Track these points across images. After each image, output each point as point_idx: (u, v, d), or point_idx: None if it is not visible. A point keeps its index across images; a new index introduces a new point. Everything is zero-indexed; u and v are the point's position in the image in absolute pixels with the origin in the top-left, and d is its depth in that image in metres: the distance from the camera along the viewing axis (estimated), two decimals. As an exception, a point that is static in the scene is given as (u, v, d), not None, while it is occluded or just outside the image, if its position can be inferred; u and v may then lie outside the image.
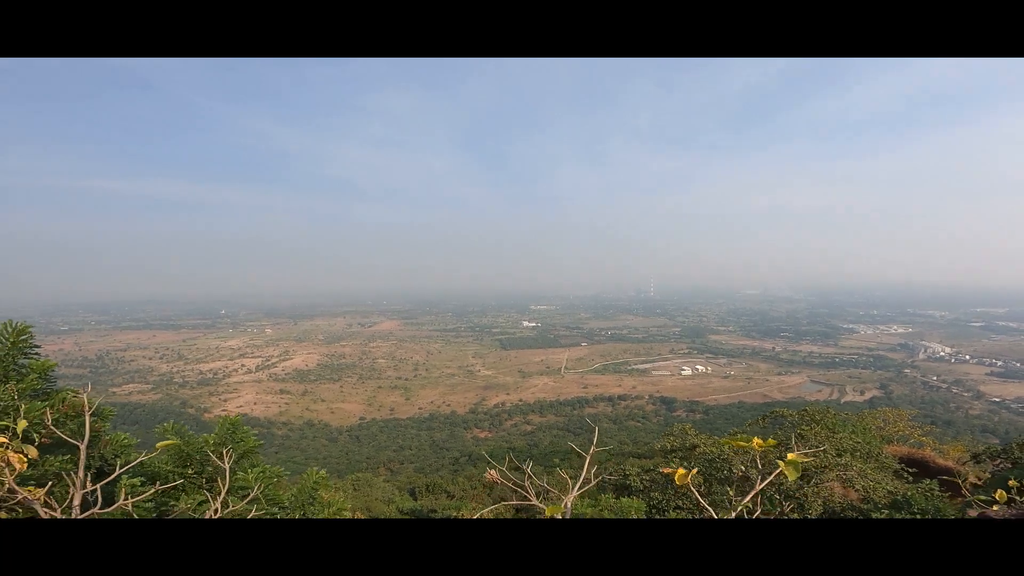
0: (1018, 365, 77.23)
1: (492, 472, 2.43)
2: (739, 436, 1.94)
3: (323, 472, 2.96)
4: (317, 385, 77.66)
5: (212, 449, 2.67)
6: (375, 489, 15.69)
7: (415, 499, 14.82)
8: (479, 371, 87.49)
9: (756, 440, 1.88)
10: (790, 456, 1.69)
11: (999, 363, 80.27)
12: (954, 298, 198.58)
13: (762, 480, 1.96)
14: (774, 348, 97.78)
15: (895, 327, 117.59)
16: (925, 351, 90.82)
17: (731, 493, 3.81)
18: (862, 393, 67.74)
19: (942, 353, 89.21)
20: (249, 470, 2.59)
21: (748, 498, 1.98)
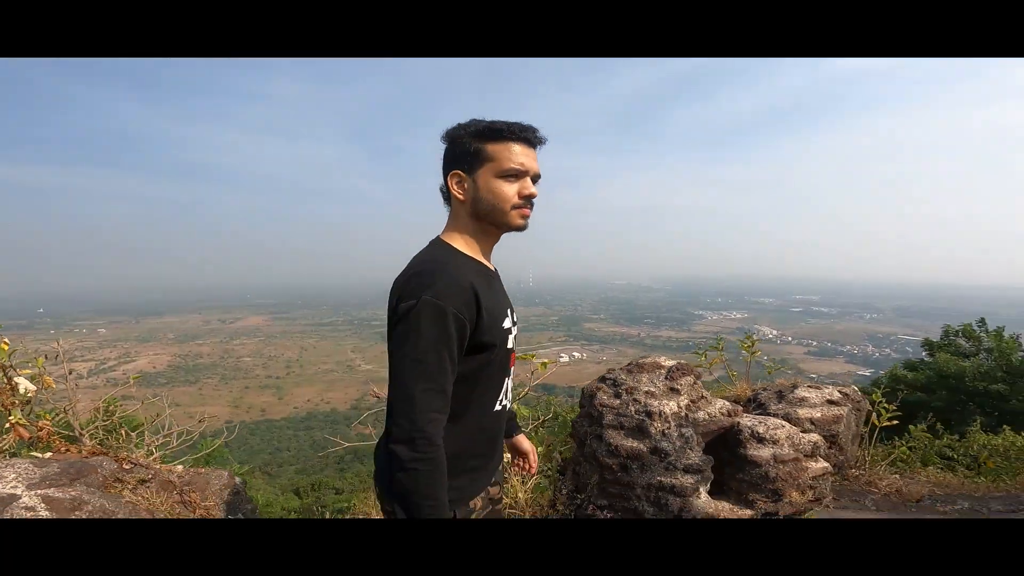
0: (828, 344, 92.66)
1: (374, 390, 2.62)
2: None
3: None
4: (170, 389, 69.09)
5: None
6: (253, 493, 14.48)
7: (300, 498, 13.99)
8: (360, 366, 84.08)
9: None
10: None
11: (814, 343, 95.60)
12: (780, 287, 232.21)
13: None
14: (639, 334, 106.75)
15: (735, 313, 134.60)
16: (758, 334, 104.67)
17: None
18: (711, 373, 76.84)
19: (771, 335, 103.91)
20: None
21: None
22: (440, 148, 1.20)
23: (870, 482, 3.09)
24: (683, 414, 2.02)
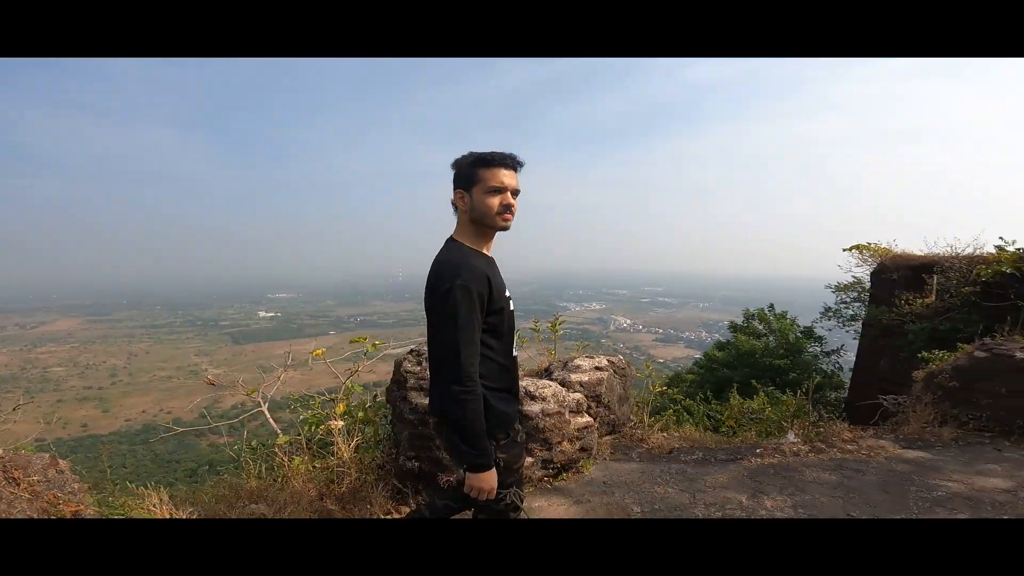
0: (672, 331, 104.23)
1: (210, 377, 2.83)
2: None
3: None
4: (-52, 410, 55.69)
5: None
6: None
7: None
8: (206, 370, 75.71)
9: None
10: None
11: (660, 331, 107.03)
12: (633, 280, 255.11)
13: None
14: (533, 329, 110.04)
15: (595, 304, 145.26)
16: (614, 323, 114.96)
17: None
18: (524, 350, 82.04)
19: (625, 325, 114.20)
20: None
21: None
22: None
23: (642, 439, 3.86)
24: None
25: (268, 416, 3.28)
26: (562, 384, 3.11)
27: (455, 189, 1.63)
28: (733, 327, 14.15)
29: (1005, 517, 2.62)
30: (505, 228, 1.63)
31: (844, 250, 10.01)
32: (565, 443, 2.69)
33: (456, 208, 1.65)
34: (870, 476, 3.19)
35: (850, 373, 10.90)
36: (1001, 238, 7.39)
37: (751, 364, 12.53)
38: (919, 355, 4.87)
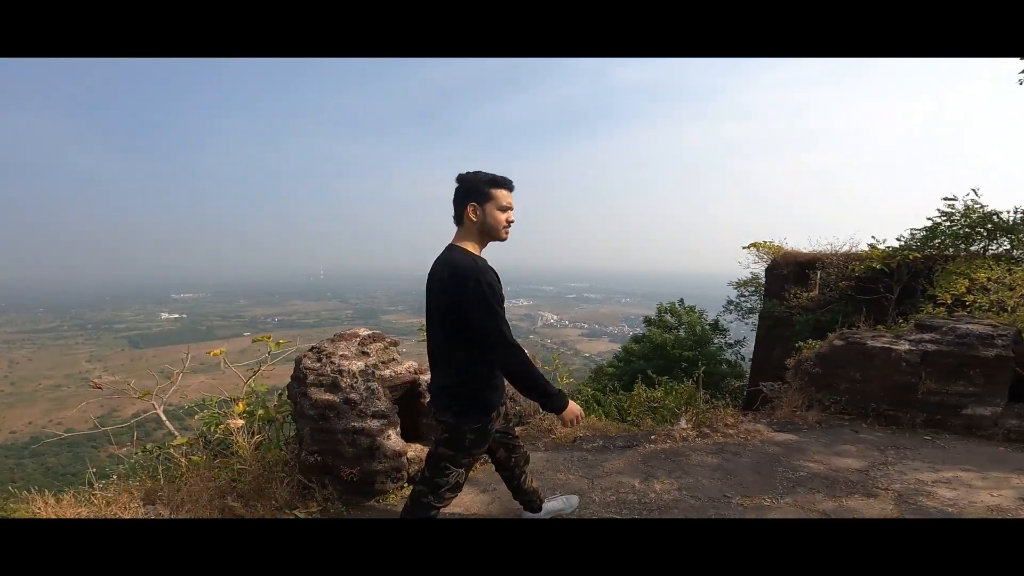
0: (596, 326, 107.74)
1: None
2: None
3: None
4: None
5: None
6: None
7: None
8: (102, 377, 68.70)
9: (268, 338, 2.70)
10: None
11: (585, 326, 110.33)
12: (559, 276, 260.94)
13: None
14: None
15: (522, 301, 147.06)
16: (542, 319, 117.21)
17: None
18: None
19: (552, 320, 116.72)
20: None
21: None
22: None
23: (549, 429, 4.05)
24: (369, 372, 2.56)
25: (164, 419, 3.15)
26: None
27: (468, 202, 1.89)
28: (647, 321, 14.91)
29: (994, 517, 2.69)
30: (504, 239, 1.96)
31: (743, 248, 10.86)
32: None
33: (464, 218, 1.92)
34: (745, 458, 3.50)
35: (750, 362, 11.81)
36: (873, 237, 8.39)
37: (664, 356, 13.28)
38: (797, 344, 5.45)
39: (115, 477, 2.69)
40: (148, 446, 3.03)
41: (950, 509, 2.72)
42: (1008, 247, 6.71)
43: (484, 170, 1.92)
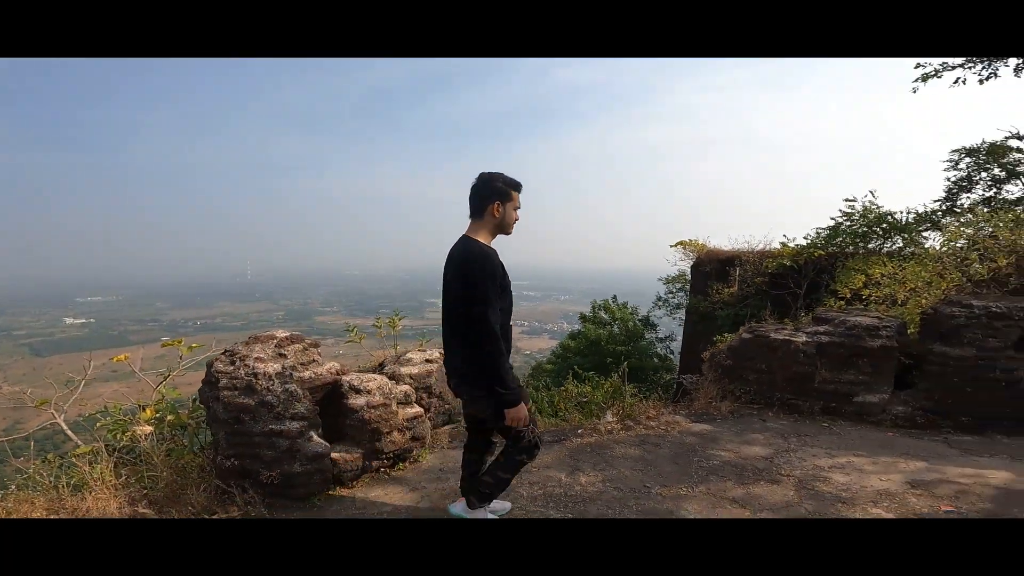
0: (536, 324, 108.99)
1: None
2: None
3: None
4: None
5: None
6: None
7: None
8: (1, 388, 61.80)
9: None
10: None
11: (526, 324, 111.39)
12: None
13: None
14: (375, 324, 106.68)
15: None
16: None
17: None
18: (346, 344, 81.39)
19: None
20: None
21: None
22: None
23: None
24: (287, 373, 2.52)
25: (65, 428, 2.93)
26: (391, 377, 3.22)
27: (494, 200, 2.21)
28: (583, 318, 15.31)
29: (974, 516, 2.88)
30: (510, 235, 2.31)
31: (671, 246, 11.36)
32: (395, 433, 2.82)
33: (480, 211, 2.23)
34: (665, 449, 3.66)
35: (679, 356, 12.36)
36: (784, 235, 9.05)
37: (598, 351, 13.70)
38: (714, 338, 5.80)
39: (14, 488, 2.49)
40: (49, 456, 2.82)
41: (843, 493, 2.94)
42: (901, 245, 7.45)
43: (504, 172, 2.25)
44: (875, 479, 3.14)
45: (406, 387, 3.04)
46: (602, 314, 15.18)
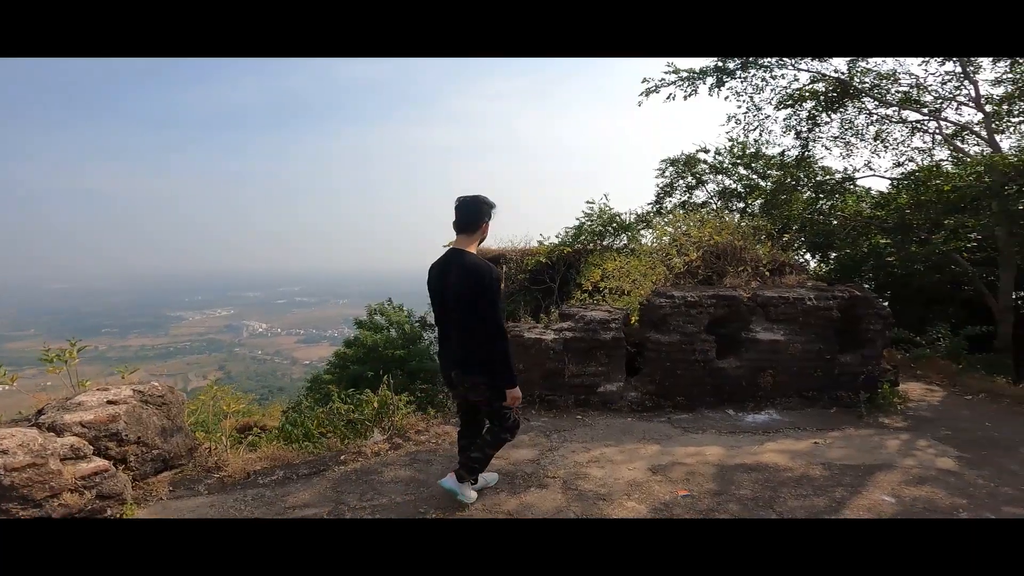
0: (314, 331, 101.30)
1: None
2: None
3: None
4: None
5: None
6: None
7: None
8: None
9: None
10: None
11: (302, 332, 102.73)
12: (265, 280, 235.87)
13: None
14: (98, 347, 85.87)
15: (220, 310, 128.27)
16: (248, 329, 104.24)
17: None
18: (205, 377, 69.73)
19: (260, 329, 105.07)
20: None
21: None
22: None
23: (218, 466, 3.37)
24: None
25: None
26: (51, 429, 2.48)
27: (485, 219, 2.72)
28: (358, 323, 14.53)
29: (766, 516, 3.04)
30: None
31: (443, 246, 11.48)
32: (65, 495, 2.28)
33: (470, 228, 2.70)
34: (437, 466, 3.45)
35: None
36: (541, 234, 9.83)
37: (377, 357, 13.14)
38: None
39: None
40: None
41: (602, 490, 3.09)
42: (626, 241, 8.74)
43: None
44: (624, 469, 3.39)
45: (73, 439, 2.42)
46: (378, 318, 14.63)
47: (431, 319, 14.92)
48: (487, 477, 3.13)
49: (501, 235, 10.71)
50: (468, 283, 2.56)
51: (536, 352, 4.55)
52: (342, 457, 3.65)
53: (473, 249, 2.71)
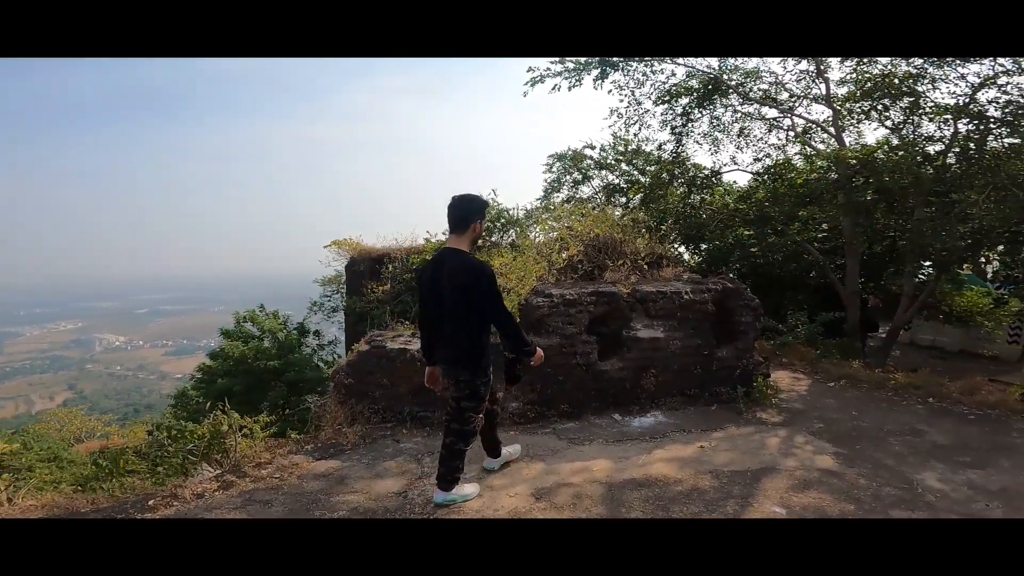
0: (185, 342, 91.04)
1: None
2: None
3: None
4: None
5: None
6: None
7: None
8: None
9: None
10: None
11: (170, 343, 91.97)
12: (118, 289, 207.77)
13: None
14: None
15: (63, 323, 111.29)
16: (101, 343, 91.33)
17: None
18: (52, 399, 60.38)
19: (117, 343, 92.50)
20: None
21: None
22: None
23: None
24: None
25: None
26: None
27: (477, 219, 2.79)
28: (224, 333, 12.97)
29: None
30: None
31: (324, 247, 10.53)
32: None
33: (461, 227, 2.76)
34: (277, 507, 2.86)
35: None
36: (428, 231, 9.26)
37: (247, 370, 11.81)
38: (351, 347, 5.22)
39: None
40: None
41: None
42: (514, 237, 8.44)
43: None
44: (505, 496, 2.96)
45: None
46: (248, 326, 13.14)
47: (314, 323, 13.79)
48: (509, 450, 3.36)
49: (384, 233, 10.04)
50: (467, 283, 2.61)
51: (402, 364, 3.99)
52: (150, 502, 2.95)
53: (466, 248, 2.76)
